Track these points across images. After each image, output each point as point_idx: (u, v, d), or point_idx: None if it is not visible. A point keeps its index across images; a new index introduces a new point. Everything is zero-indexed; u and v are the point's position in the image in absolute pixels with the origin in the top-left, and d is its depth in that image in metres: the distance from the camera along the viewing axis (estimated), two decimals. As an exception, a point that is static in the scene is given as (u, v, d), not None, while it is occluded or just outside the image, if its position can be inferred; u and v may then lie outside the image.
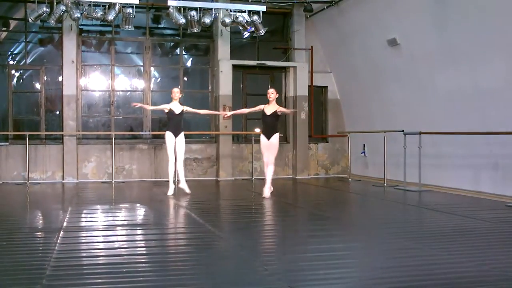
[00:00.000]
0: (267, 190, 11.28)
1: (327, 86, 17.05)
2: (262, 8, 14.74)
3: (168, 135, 11.65)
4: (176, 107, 11.68)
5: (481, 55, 11.02)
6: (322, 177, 16.57)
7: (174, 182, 11.98)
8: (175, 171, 11.86)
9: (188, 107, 12.04)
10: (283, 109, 11.69)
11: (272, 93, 11.29)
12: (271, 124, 11.31)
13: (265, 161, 11.46)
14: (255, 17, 14.55)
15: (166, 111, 11.71)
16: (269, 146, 11.22)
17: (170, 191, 11.71)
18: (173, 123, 11.69)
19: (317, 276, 5.25)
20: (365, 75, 15.19)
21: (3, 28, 15.49)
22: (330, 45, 16.59)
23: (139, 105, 12.90)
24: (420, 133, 12.15)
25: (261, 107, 11.40)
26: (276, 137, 11.25)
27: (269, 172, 11.30)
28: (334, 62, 16.74)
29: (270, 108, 11.28)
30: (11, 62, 15.81)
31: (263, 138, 11.34)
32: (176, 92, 11.76)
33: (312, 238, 7.33)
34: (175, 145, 11.61)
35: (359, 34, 14.81)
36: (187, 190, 11.77)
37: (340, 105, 17.02)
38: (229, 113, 12.84)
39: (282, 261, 5.81)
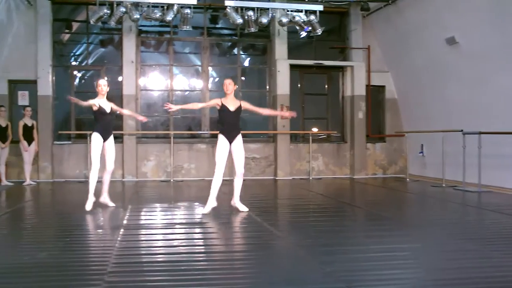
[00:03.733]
0: (240, 204, 9.48)
1: (384, 86, 16.92)
2: (319, 7, 14.76)
3: (96, 136, 9.65)
4: (106, 104, 9.78)
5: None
6: (379, 177, 16.45)
7: (94, 194, 9.85)
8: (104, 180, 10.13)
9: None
10: (252, 108, 9.55)
11: (229, 84, 9.28)
12: (235, 122, 9.30)
13: (219, 170, 9.09)
14: (312, 17, 14.58)
15: (95, 108, 9.64)
16: (235, 151, 9.22)
17: (89, 205, 9.63)
18: (104, 123, 9.71)
19: (375, 277, 5.24)
20: (423, 74, 14.99)
21: (66, 30, 15.92)
22: (388, 44, 16.44)
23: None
24: (480, 133, 11.94)
25: (217, 101, 9.34)
26: (241, 139, 9.30)
27: (239, 184, 9.42)
28: (392, 61, 16.59)
29: (232, 103, 9.30)
30: (74, 63, 16.25)
31: (224, 140, 9.17)
32: (104, 86, 9.80)
33: (370, 238, 7.29)
34: (104, 150, 9.77)
35: (417, 32, 14.63)
36: (110, 204, 10.08)
37: (397, 104, 16.85)
38: (174, 108, 9.54)
39: (340, 261, 5.80)
